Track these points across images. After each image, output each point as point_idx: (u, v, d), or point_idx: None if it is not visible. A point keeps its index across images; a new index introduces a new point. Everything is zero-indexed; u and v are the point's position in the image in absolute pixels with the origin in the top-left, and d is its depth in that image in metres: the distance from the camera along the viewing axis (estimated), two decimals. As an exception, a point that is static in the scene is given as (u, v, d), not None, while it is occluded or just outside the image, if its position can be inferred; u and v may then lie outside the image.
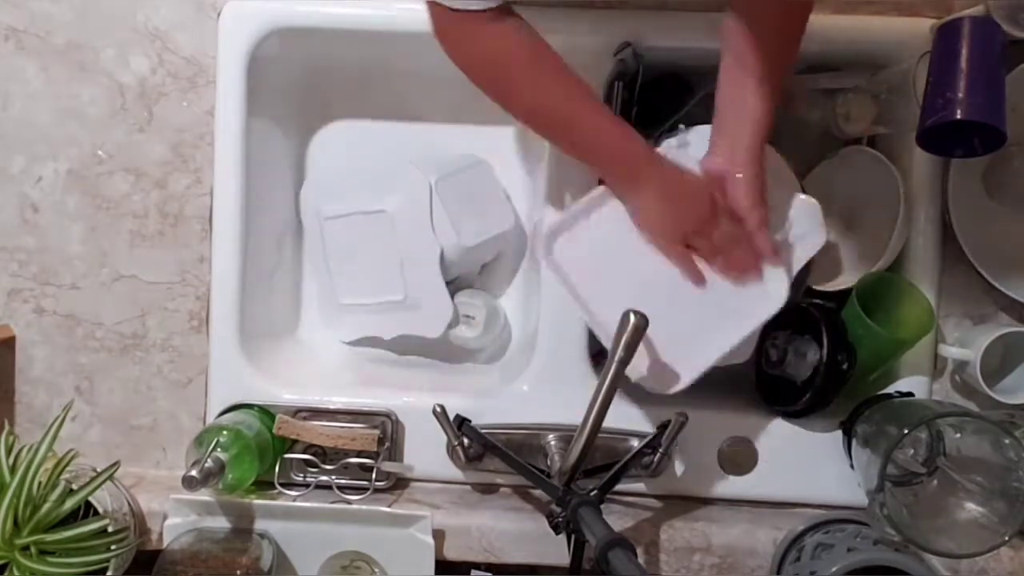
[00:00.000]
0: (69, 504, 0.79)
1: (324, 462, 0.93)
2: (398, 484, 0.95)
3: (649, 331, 0.77)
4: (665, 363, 0.84)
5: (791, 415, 0.92)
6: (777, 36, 0.78)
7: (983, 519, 0.79)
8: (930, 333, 0.90)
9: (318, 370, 1.03)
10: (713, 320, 0.85)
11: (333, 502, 0.90)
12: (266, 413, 0.93)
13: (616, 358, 0.77)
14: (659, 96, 1.00)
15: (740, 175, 0.80)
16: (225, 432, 0.86)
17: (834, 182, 0.98)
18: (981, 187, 0.93)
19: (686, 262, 0.83)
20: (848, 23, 0.91)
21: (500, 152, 1.06)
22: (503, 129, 1.04)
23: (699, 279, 0.84)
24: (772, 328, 0.93)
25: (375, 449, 0.92)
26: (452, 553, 0.89)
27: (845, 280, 0.93)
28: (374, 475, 0.92)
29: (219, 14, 0.94)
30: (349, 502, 0.90)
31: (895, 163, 0.92)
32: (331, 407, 0.94)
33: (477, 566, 0.89)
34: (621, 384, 0.79)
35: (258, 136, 0.97)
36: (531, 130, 0.81)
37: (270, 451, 0.91)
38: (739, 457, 0.91)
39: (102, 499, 0.85)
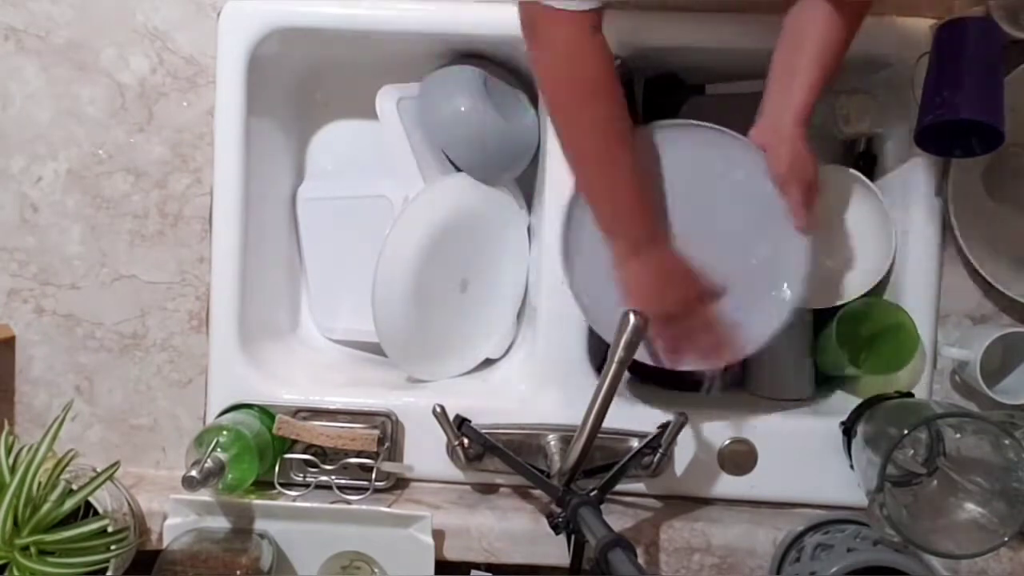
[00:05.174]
0: (69, 504, 0.79)
1: (324, 462, 0.93)
2: (398, 484, 0.95)
3: None
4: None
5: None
6: (837, 25, 0.79)
7: (983, 520, 0.79)
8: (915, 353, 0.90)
9: (318, 370, 1.03)
10: None
11: (333, 502, 0.90)
12: (266, 413, 0.93)
13: (616, 358, 0.77)
14: (659, 96, 1.00)
15: (781, 149, 0.82)
16: (225, 432, 0.86)
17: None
18: (981, 187, 0.93)
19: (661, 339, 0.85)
20: (848, 23, 0.91)
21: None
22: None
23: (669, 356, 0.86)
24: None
25: (375, 449, 0.92)
26: (452, 553, 0.89)
27: (835, 297, 0.94)
28: (374, 475, 0.92)
29: (219, 14, 0.94)
30: (349, 502, 0.90)
31: (894, 165, 0.92)
32: (331, 407, 0.94)
33: (477, 566, 0.89)
34: (621, 384, 0.79)
35: (258, 136, 0.97)
36: (564, 153, 0.81)
37: (270, 451, 0.90)
38: (739, 457, 0.91)
39: (102, 499, 0.85)
